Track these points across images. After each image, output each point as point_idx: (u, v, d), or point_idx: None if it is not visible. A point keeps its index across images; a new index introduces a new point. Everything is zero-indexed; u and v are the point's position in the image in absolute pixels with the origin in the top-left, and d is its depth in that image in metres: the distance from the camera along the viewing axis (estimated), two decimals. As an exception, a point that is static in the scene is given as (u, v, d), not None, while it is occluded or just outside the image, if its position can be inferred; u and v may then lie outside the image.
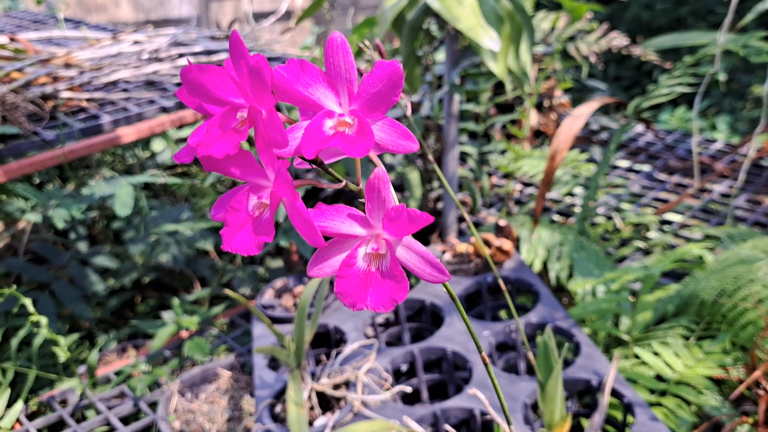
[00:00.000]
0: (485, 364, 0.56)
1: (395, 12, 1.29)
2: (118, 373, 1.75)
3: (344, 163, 1.69)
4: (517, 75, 1.40)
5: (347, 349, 1.33)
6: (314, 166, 0.47)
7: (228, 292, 1.13)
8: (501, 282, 0.88)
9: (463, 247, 1.59)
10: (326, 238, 0.46)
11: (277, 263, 2.23)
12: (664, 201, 2.26)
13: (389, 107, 0.44)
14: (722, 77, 4.18)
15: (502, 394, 0.58)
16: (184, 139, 3.00)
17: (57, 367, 1.86)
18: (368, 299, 0.46)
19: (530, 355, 0.96)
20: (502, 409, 0.58)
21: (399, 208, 0.44)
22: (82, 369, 1.76)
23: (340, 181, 0.48)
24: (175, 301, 1.81)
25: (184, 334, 1.90)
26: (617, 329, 1.46)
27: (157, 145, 2.84)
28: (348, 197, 2.09)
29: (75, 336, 1.68)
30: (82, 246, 2.08)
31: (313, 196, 2.25)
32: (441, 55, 2.47)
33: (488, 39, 1.18)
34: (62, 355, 1.51)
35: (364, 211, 0.47)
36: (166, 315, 1.92)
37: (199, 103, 0.45)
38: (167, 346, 1.86)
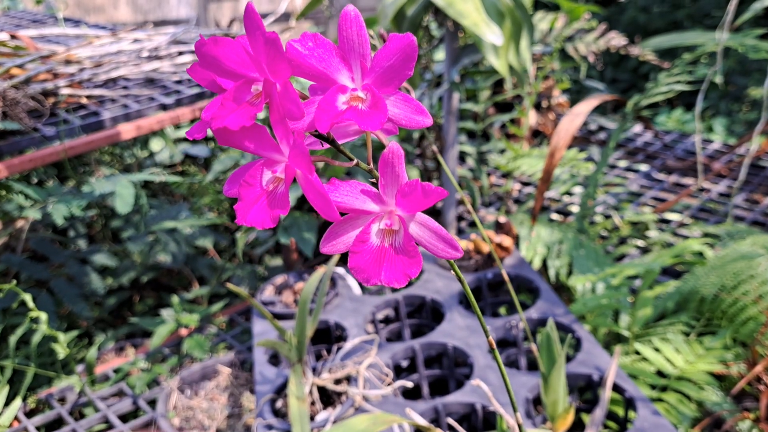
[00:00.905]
0: (492, 349, 0.56)
1: (396, 8, 1.30)
2: (116, 371, 1.75)
3: (350, 148, 1.70)
4: (518, 71, 1.40)
5: (348, 345, 1.33)
6: (326, 144, 0.47)
7: (230, 286, 1.13)
8: (505, 275, 0.88)
9: (463, 244, 1.59)
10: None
11: (276, 261, 2.23)
12: (663, 200, 2.27)
13: (402, 81, 0.44)
14: (719, 79, 4.20)
15: (508, 379, 0.58)
16: (182, 139, 3.00)
17: (55, 365, 1.85)
18: (382, 274, 0.47)
19: (533, 347, 0.96)
20: (508, 394, 0.58)
21: (413, 182, 0.44)
22: (80, 368, 1.76)
23: (352, 160, 0.48)
24: (175, 299, 1.81)
25: (183, 332, 1.90)
26: (617, 325, 1.47)
27: (156, 144, 2.84)
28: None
29: (74, 333, 1.67)
30: (81, 244, 2.08)
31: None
32: (440, 54, 2.48)
33: (491, 34, 1.18)
34: (61, 351, 1.50)
35: (376, 188, 0.47)
36: (166, 313, 1.91)
37: (212, 78, 0.45)
38: (166, 344, 1.85)
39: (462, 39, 1.73)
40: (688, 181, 2.40)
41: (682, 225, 2.07)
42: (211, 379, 1.60)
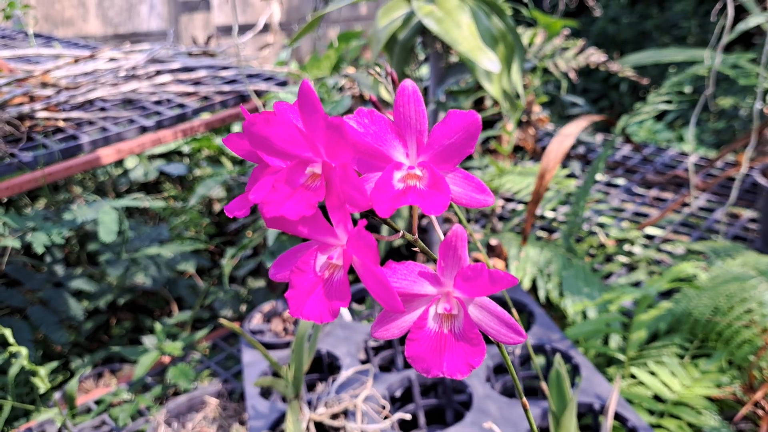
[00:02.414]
0: (525, 410, 0.54)
1: (389, 32, 1.28)
2: (98, 402, 1.69)
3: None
4: (509, 94, 1.39)
5: (342, 376, 1.30)
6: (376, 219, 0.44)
7: (224, 321, 1.10)
8: (509, 300, 0.87)
9: (454, 268, 1.57)
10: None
11: (259, 283, 2.19)
12: (645, 215, 2.28)
13: (462, 159, 0.42)
14: (687, 89, 4.27)
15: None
16: (156, 156, 2.95)
17: (33, 394, 1.79)
18: (444, 364, 0.44)
19: (543, 385, 0.94)
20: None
21: (478, 267, 0.42)
22: (59, 394, 1.70)
23: (398, 232, 0.45)
24: (158, 326, 1.76)
25: (165, 359, 1.85)
26: (610, 348, 1.46)
27: (130, 162, 2.78)
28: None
29: (53, 364, 1.61)
30: (58, 269, 2.01)
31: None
32: (422, 71, 2.47)
33: (488, 61, 1.17)
34: (42, 386, 1.45)
35: (426, 264, 0.45)
36: (147, 340, 1.86)
37: (253, 152, 0.42)
38: (149, 373, 1.80)
39: (447, 58, 1.72)
40: (667, 195, 2.42)
41: (665, 240, 2.09)
42: (199, 410, 1.55)
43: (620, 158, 2.76)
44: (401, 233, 0.46)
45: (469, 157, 2.44)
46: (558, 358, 0.94)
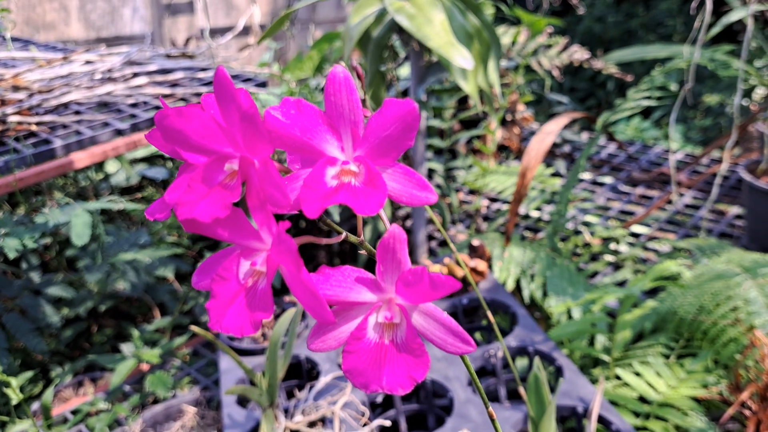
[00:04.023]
0: (492, 420, 0.51)
1: (361, 29, 1.25)
2: (75, 412, 1.65)
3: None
4: (487, 92, 1.36)
5: (321, 383, 1.27)
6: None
7: (194, 328, 1.07)
8: (487, 309, 0.84)
9: (435, 268, 1.55)
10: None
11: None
12: (630, 213, 2.26)
13: (401, 153, 0.39)
14: (673, 87, 4.26)
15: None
16: (138, 160, 2.91)
17: (8, 406, 1.75)
18: (383, 378, 0.40)
19: (521, 390, 0.92)
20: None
21: (418, 271, 0.38)
22: (35, 406, 1.66)
23: (340, 234, 0.42)
24: (135, 333, 1.72)
25: (144, 366, 1.81)
26: (594, 349, 1.44)
27: (111, 166, 2.74)
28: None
29: (28, 374, 1.57)
30: (35, 275, 1.97)
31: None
32: (404, 70, 2.44)
33: (460, 57, 1.14)
34: (15, 397, 1.41)
35: (369, 270, 0.41)
36: (126, 348, 1.82)
37: (176, 150, 0.39)
38: (127, 381, 1.76)
39: (427, 57, 1.69)
40: (653, 193, 2.41)
41: (651, 238, 2.06)
42: (176, 419, 1.52)
43: (606, 156, 2.75)
44: (344, 235, 0.42)
45: (453, 157, 2.42)
46: (537, 362, 0.91)
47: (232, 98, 0.36)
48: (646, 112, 4.58)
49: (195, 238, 2.66)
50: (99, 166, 2.62)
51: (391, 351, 0.40)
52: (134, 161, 2.90)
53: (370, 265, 2.36)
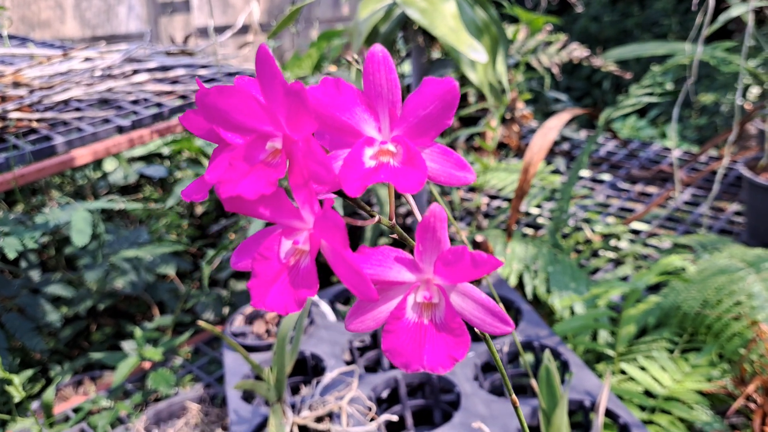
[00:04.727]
0: (515, 407, 0.51)
1: (370, 25, 1.25)
2: (76, 410, 1.64)
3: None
4: (494, 86, 1.37)
5: (327, 378, 1.27)
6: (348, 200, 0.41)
7: (202, 323, 1.06)
8: (495, 295, 0.84)
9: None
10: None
11: (241, 286, 2.15)
12: (630, 210, 2.27)
13: (439, 132, 0.39)
14: (669, 86, 4.28)
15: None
16: (136, 158, 2.90)
17: (9, 404, 1.74)
18: (424, 357, 0.40)
19: (533, 382, 0.92)
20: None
21: (458, 250, 0.38)
22: (36, 404, 1.65)
23: (373, 217, 0.42)
24: (137, 332, 1.72)
25: (146, 364, 1.80)
26: (598, 344, 1.44)
27: (109, 165, 2.73)
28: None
29: (29, 372, 1.57)
30: (34, 274, 1.96)
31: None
32: (405, 67, 2.44)
33: (473, 51, 1.14)
34: (17, 395, 1.40)
35: (408, 251, 0.41)
36: (127, 345, 1.82)
37: (212, 130, 0.38)
38: (128, 379, 1.76)
39: (429, 54, 1.69)
40: (653, 189, 2.41)
41: (651, 235, 2.07)
42: (180, 416, 1.51)
43: (605, 154, 2.75)
44: (377, 218, 0.42)
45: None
46: (548, 354, 0.91)
47: (276, 74, 0.36)
48: (642, 111, 4.59)
49: (194, 236, 2.65)
50: (97, 164, 2.61)
51: (430, 331, 0.41)
52: (132, 160, 2.89)
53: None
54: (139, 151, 2.84)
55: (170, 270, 1.93)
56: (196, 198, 0.38)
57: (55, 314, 1.78)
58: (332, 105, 0.39)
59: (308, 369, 1.41)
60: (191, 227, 2.70)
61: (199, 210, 2.77)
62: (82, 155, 1.61)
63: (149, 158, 2.95)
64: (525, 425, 0.52)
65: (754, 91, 3.99)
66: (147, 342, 1.84)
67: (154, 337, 1.90)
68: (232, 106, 0.36)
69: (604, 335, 1.53)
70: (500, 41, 1.31)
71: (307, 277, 0.38)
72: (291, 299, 0.37)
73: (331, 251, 0.38)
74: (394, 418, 1.18)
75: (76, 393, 1.81)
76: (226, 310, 2.06)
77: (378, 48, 0.39)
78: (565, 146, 2.76)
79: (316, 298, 1.57)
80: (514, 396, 0.51)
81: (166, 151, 2.92)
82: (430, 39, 1.49)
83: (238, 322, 1.54)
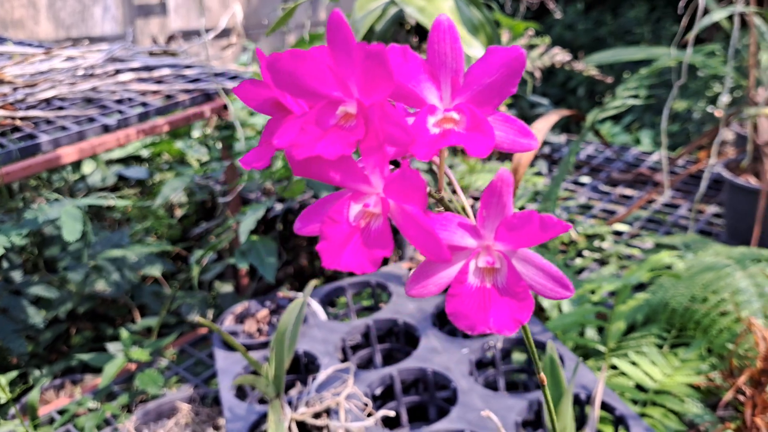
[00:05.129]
0: (542, 386, 0.52)
1: (367, 24, 1.25)
2: (62, 412, 1.61)
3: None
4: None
5: (322, 375, 1.27)
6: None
7: (199, 319, 1.05)
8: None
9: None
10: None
11: (226, 288, 2.14)
12: (612, 212, 2.30)
13: (503, 100, 0.40)
14: (643, 93, 4.36)
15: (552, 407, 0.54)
16: (114, 161, 2.86)
17: (-11, 408, 1.70)
18: (490, 320, 0.41)
19: (542, 375, 0.92)
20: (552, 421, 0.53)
21: (525, 214, 0.39)
22: (17, 407, 1.62)
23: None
24: (124, 333, 1.69)
25: (131, 366, 1.78)
26: (591, 340, 1.46)
27: (87, 167, 2.70)
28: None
29: (13, 374, 1.54)
30: (16, 275, 1.92)
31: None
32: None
33: (469, 47, 1.16)
34: (3, 396, 1.37)
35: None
36: (113, 347, 1.79)
37: (267, 101, 0.38)
38: (113, 381, 1.73)
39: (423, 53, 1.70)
40: (633, 192, 2.45)
41: (634, 236, 2.10)
42: (170, 417, 1.49)
43: (585, 157, 2.79)
44: (428, 190, 0.43)
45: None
46: (551, 344, 0.93)
47: (349, 40, 0.36)
48: (616, 118, 4.67)
49: (175, 239, 2.63)
50: (75, 166, 2.58)
51: (494, 294, 0.41)
52: (110, 162, 2.86)
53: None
54: (117, 154, 2.80)
55: (156, 271, 1.91)
56: (257, 165, 0.39)
57: (38, 316, 1.74)
58: (398, 72, 0.39)
59: (301, 367, 1.41)
60: (171, 230, 2.68)
61: (179, 213, 2.75)
62: (68, 153, 1.59)
63: (127, 161, 2.92)
64: (551, 403, 0.53)
65: (724, 99, 4.07)
66: (133, 344, 1.81)
67: (136, 340, 1.87)
68: (304, 71, 0.37)
69: (590, 333, 1.55)
70: (495, 41, 1.32)
71: (380, 238, 0.38)
72: (365, 259, 0.38)
73: (401, 213, 0.38)
74: (392, 413, 1.18)
75: (58, 397, 1.78)
76: (210, 312, 2.04)
77: (444, 17, 0.40)
78: (546, 150, 2.79)
79: (308, 297, 1.56)
80: (542, 374, 0.52)
81: (145, 153, 2.89)
82: (423, 39, 1.50)
83: (228, 322, 1.53)
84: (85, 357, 1.69)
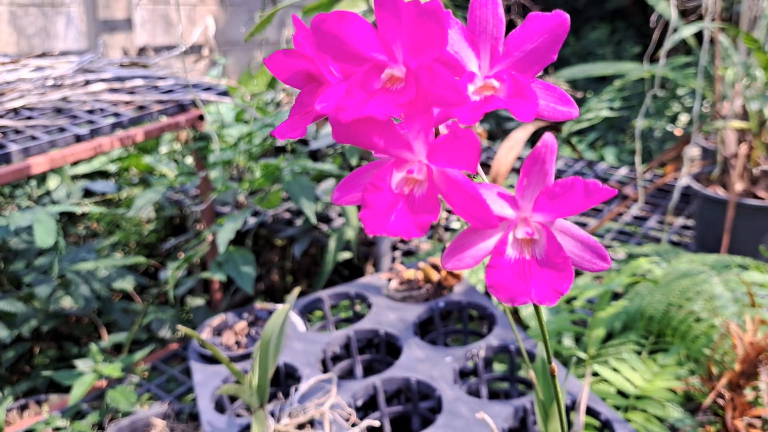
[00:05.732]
0: (552, 376, 0.52)
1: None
2: (28, 432, 1.56)
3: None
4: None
5: (304, 386, 1.25)
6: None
7: (181, 328, 1.03)
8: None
9: (410, 273, 1.55)
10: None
11: (198, 302, 2.10)
12: (583, 224, 2.33)
13: (544, 67, 0.39)
14: (606, 112, 4.45)
15: (562, 403, 0.54)
16: (80, 176, 2.80)
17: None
18: (531, 291, 0.40)
19: (531, 373, 0.92)
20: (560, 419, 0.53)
21: (568, 181, 0.39)
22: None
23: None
24: (94, 347, 1.64)
25: (101, 383, 1.72)
26: (571, 348, 1.47)
27: (52, 182, 2.64)
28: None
29: (-23, 392, 1.48)
30: (-22, 291, 1.86)
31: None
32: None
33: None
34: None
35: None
36: (82, 363, 1.74)
37: (298, 72, 0.38)
38: (82, 399, 1.68)
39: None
40: (602, 205, 2.49)
41: (607, 247, 2.13)
42: (144, 433, 1.45)
43: (555, 171, 2.83)
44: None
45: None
46: (541, 346, 0.92)
47: (397, 1, 0.36)
48: (581, 133, 4.75)
49: (144, 255, 2.57)
50: (41, 180, 2.52)
51: (533, 266, 0.40)
52: (75, 177, 2.80)
53: (330, 282, 2.34)
54: (83, 168, 2.75)
55: (128, 284, 1.86)
56: (292, 135, 0.38)
57: (4, 331, 1.68)
58: (442, 39, 0.39)
59: (281, 379, 1.38)
60: (140, 246, 2.63)
61: (148, 227, 2.70)
62: (39, 163, 1.55)
63: (93, 176, 2.86)
64: (561, 395, 0.53)
65: (683, 118, 4.19)
66: (102, 361, 1.76)
67: (106, 357, 1.82)
68: (349, 33, 0.36)
69: (569, 339, 1.55)
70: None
71: (425, 204, 0.37)
72: (411, 224, 0.37)
73: (446, 180, 0.38)
74: (376, 423, 1.16)
75: (22, 418, 1.72)
76: (184, 327, 1.99)
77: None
78: (517, 164, 2.82)
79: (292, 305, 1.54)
80: (553, 364, 0.51)
81: (112, 168, 2.84)
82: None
83: (205, 334, 1.50)
84: (53, 374, 1.63)
